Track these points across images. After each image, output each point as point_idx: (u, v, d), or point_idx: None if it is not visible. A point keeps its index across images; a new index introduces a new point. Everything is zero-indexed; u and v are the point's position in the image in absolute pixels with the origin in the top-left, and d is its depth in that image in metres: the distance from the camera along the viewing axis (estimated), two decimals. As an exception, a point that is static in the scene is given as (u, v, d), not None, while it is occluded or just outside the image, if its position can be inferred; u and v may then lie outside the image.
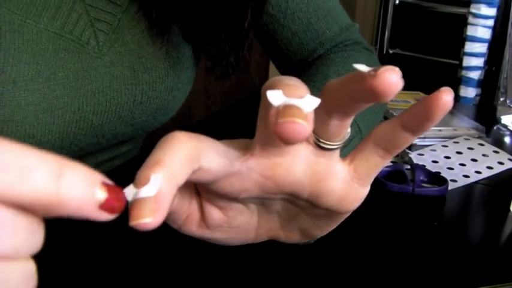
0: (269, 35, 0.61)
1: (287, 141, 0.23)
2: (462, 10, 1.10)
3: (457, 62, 1.03)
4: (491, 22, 0.98)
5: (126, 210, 0.22)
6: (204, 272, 0.44)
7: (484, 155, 0.73)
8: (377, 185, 0.61)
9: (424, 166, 0.67)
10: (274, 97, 0.23)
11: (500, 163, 0.71)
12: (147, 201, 0.21)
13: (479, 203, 0.64)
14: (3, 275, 0.19)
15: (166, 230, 0.23)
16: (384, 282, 0.46)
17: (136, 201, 0.22)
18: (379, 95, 0.22)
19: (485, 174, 0.68)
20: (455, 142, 0.77)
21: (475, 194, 0.64)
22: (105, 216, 0.21)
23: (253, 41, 0.54)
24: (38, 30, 0.46)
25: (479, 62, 1.00)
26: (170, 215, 0.29)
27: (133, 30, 0.50)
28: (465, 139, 0.78)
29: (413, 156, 0.71)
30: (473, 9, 0.98)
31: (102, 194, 0.20)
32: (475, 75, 1.00)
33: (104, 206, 0.20)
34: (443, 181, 0.63)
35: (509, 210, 0.59)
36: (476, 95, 1.02)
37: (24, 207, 0.19)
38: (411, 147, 0.73)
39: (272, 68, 1.72)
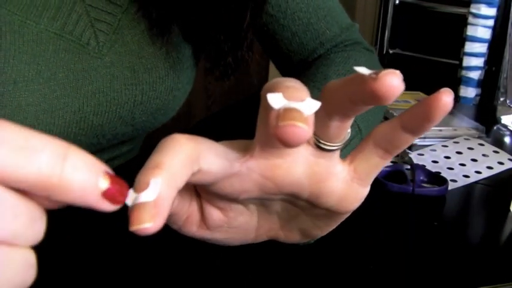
0: (269, 35, 0.61)
1: (287, 144, 0.23)
2: (462, 10, 1.10)
3: (457, 62, 1.03)
4: (491, 22, 0.98)
5: (126, 211, 0.22)
6: (204, 272, 0.44)
7: (484, 155, 0.73)
8: (377, 185, 0.61)
9: (424, 166, 0.67)
10: (275, 100, 0.23)
11: (500, 163, 0.71)
12: (147, 206, 0.22)
13: (479, 203, 0.64)
14: (3, 259, 0.19)
15: (167, 230, 0.23)
16: (384, 282, 0.46)
17: (136, 206, 0.22)
18: (380, 98, 0.22)
19: (485, 174, 0.68)
20: (455, 142, 0.77)
21: (475, 194, 0.64)
22: (107, 206, 0.21)
23: (253, 41, 0.54)
24: (38, 30, 0.46)
25: (479, 62, 1.00)
26: (170, 216, 0.29)
27: (133, 30, 0.50)
28: (465, 139, 0.78)
29: (413, 156, 0.71)
30: (473, 9, 0.98)
31: (105, 183, 0.20)
32: (475, 75, 1.00)
33: (107, 195, 0.21)
34: (443, 181, 0.63)
35: (509, 210, 0.60)
36: (476, 95, 1.02)
37: (27, 190, 0.19)
38: (411, 147, 0.73)
39: (272, 68, 1.72)
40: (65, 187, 0.20)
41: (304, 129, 0.22)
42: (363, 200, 0.30)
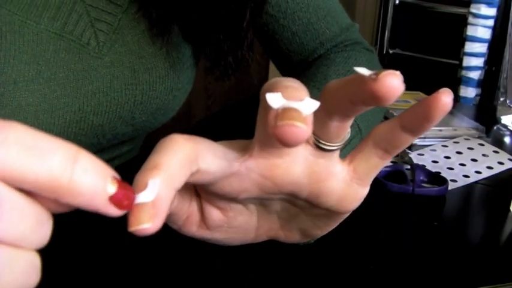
0: (269, 35, 0.61)
1: (286, 143, 0.23)
2: (462, 10, 1.10)
3: (457, 62, 1.03)
4: (491, 22, 0.98)
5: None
6: (204, 272, 0.44)
7: (484, 155, 0.73)
8: (377, 185, 0.61)
9: (424, 166, 0.68)
10: (274, 100, 0.23)
11: (500, 163, 0.71)
12: (146, 206, 0.22)
13: (479, 203, 0.64)
14: (8, 261, 0.19)
15: (166, 230, 0.23)
16: (384, 282, 0.46)
17: (134, 206, 0.22)
18: (380, 99, 0.22)
19: (485, 174, 0.68)
20: (455, 142, 0.77)
21: (475, 194, 0.65)
22: (114, 211, 0.21)
23: (253, 41, 0.54)
24: (39, 30, 0.46)
25: (479, 62, 1.00)
26: (170, 216, 0.29)
27: (133, 30, 0.50)
28: (465, 139, 0.78)
29: (413, 156, 0.71)
30: (473, 9, 0.98)
31: (112, 188, 0.21)
32: (475, 75, 1.00)
33: (114, 200, 0.21)
34: (443, 181, 0.63)
35: (509, 210, 0.60)
36: (476, 95, 1.02)
37: (36, 192, 0.19)
38: (411, 147, 0.73)
39: (272, 68, 1.72)
40: (74, 190, 0.20)
41: (303, 128, 0.22)
42: (362, 200, 0.30)
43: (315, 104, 0.23)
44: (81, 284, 0.43)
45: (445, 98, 0.24)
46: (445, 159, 0.71)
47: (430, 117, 0.25)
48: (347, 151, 0.31)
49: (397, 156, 0.68)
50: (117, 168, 0.22)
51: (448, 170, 0.68)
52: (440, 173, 0.67)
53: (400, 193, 0.61)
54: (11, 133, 0.19)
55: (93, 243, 0.47)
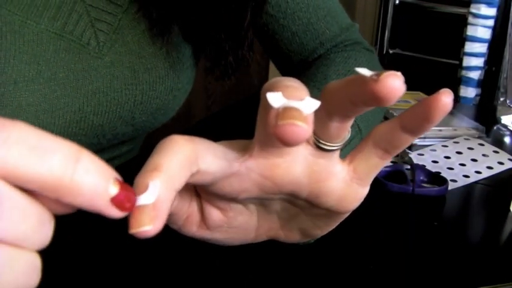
0: (269, 35, 0.61)
1: (287, 143, 0.23)
2: (462, 10, 1.10)
3: (457, 62, 1.03)
4: (491, 22, 0.98)
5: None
6: (204, 272, 0.44)
7: (484, 155, 0.73)
8: (377, 185, 0.61)
9: (424, 166, 0.68)
10: (274, 99, 0.23)
11: (500, 163, 0.71)
12: (146, 208, 0.22)
13: (479, 203, 0.64)
14: (9, 261, 0.19)
15: (167, 230, 0.23)
16: (384, 282, 0.46)
17: (135, 208, 0.22)
18: (381, 99, 0.22)
19: (485, 174, 0.68)
20: (455, 142, 0.77)
21: (475, 194, 0.65)
22: (115, 213, 0.21)
23: (253, 40, 0.54)
24: (39, 30, 0.46)
25: (479, 62, 1.00)
26: (170, 216, 0.29)
27: (133, 30, 0.50)
28: (465, 139, 0.78)
29: (413, 156, 0.71)
30: (473, 9, 0.98)
31: (114, 189, 0.21)
32: (475, 75, 1.00)
33: (115, 201, 0.21)
34: (443, 181, 0.63)
35: (509, 210, 0.60)
36: (476, 95, 1.02)
37: (37, 191, 0.20)
38: (411, 147, 0.73)
39: (272, 68, 1.72)
40: (76, 189, 0.20)
41: (304, 128, 0.22)
42: (362, 199, 0.30)
43: (316, 104, 0.23)
44: (80, 284, 0.43)
45: (445, 98, 0.24)
46: (445, 159, 0.71)
47: (430, 118, 0.25)
48: (347, 151, 0.31)
49: (397, 156, 0.68)
50: (117, 168, 0.22)
51: (448, 170, 0.68)
52: (440, 173, 0.67)
53: (400, 193, 0.61)
54: (14, 132, 0.19)
55: (93, 243, 0.47)
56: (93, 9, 0.48)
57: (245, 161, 0.27)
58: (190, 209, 0.30)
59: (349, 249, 0.50)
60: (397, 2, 1.31)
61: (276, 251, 0.44)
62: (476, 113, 0.95)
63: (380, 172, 0.32)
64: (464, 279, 0.47)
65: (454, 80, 1.02)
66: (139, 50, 0.50)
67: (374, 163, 0.29)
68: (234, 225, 0.32)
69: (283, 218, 0.33)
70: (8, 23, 0.45)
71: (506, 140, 0.82)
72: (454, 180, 0.65)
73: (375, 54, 0.67)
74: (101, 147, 0.54)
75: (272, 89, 0.24)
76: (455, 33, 1.06)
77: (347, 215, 0.32)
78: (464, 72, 1.00)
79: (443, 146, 0.75)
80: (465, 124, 0.82)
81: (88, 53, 0.48)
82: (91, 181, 0.20)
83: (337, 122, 0.26)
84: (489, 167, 0.69)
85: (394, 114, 0.81)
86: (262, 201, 0.31)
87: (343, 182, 0.29)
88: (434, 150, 0.74)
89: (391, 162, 0.67)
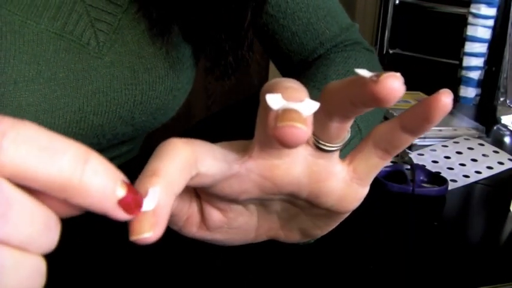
0: (269, 35, 0.61)
1: (286, 145, 0.23)
2: (462, 10, 1.10)
3: (457, 62, 1.03)
4: (491, 22, 0.98)
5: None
6: (204, 272, 0.44)
7: (484, 155, 0.73)
8: (377, 185, 0.61)
9: (424, 166, 0.68)
10: (274, 101, 0.23)
11: (500, 163, 0.71)
12: (146, 215, 0.22)
13: (479, 203, 0.64)
14: (14, 264, 0.19)
15: (167, 231, 0.23)
16: (384, 282, 0.46)
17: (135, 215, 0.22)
18: (380, 100, 0.22)
19: (485, 174, 0.68)
20: (455, 142, 0.77)
21: (475, 194, 0.64)
22: (122, 215, 0.21)
23: (253, 40, 0.54)
24: (39, 30, 0.46)
25: (479, 62, 1.00)
26: (170, 217, 0.29)
27: (133, 30, 0.50)
28: (465, 139, 0.78)
29: (413, 156, 0.71)
30: (473, 9, 0.98)
31: (122, 191, 0.21)
32: (475, 75, 1.00)
33: (122, 204, 0.21)
34: (443, 181, 0.63)
35: (509, 210, 0.60)
36: (476, 95, 1.02)
37: (46, 192, 0.19)
38: (411, 147, 0.73)
39: (272, 68, 1.72)
40: (84, 190, 0.20)
41: (303, 129, 0.22)
42: (362, 199, 0.30)
43: (315, 105, 0.23)
44: (80, 284, 0.43)
45: (445, 98, 0.24)
46: (445, 159, 0.71)
47: (430, 118, 0.25)
48: (347, 151, 0.31)
49: (397, 156, 0.68)
50: (117, 169, 0.22)
51: (448, 170, 0.68)
52: (440, 173, 0.67)
53: (400, 193, 0.61)
54: (22, 131, 0.19)
55: (92, 242, 0.47)
56: (93, 9, 0.48)
57: (245, 162, 0.27)
58: (190, 210, 0.30)
59: (349, 249, 0.50)
60: (397, 2, 1.31)
61: (276, 251, 0.44)
62: (476, 113, 0.95)
63: (380, 172, 0.32)
64: (464, 279, 0.47)
65: (454, 80, 1.02)
66: (139, 50, 0.50)
67: (374, 163, 0.29)
68: (234, 226, 0.32)
69: (283, 218, 0.33)
70: (8, 23, 0.45)
71: (506, 140, 0.82)
72: (454, 180, 0.65)
73: (375, 54, 0.67)
74: (100, 147, 0.54)
75: (271, 90, 0.24)
76: (455, 33, 1.06)
77: (347, 215, 0.32)
78: (464, 72, 1.00)
79: (443, 146, 0.75)
80: (465, 124, 0.82)
81: (88, 53, 0.48)
82: (99, 182, 0.20)
83: (337, 122, 0.26)
84: (489, 167, 0.69)
85: (394, 114, 0.81)
86: (262, 202, 0.32)
87: (343, 182, 0.29)
88: (434, 150, 0.74)
89: (391, 162, 0.67)
